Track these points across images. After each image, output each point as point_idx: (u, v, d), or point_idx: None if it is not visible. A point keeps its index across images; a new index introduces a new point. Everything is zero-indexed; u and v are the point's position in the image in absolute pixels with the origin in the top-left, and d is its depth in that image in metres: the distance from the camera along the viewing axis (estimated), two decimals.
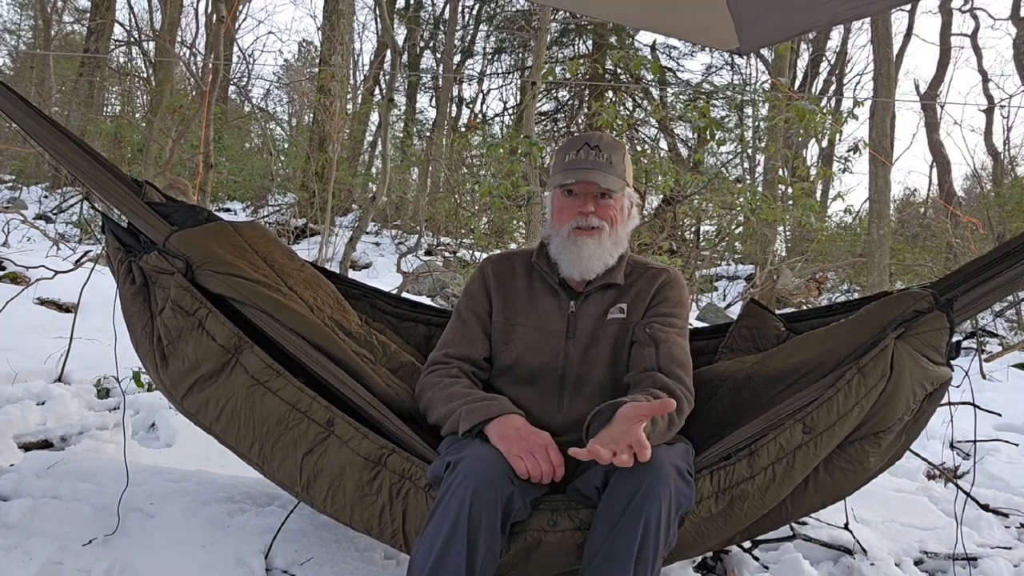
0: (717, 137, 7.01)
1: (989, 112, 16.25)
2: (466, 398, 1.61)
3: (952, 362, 1.73)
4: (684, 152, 14.94)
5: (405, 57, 17.80)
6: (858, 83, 18.60)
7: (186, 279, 1.71)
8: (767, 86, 13.55)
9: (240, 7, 14.73)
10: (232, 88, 15.81)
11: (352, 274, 8.23)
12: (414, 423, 1.77)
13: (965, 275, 1.73)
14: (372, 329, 2.05)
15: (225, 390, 1.67)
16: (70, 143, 1.75)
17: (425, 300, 5.24)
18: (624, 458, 1.33)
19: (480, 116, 20.41)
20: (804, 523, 2.28)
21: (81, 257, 5.17)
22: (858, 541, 2.18)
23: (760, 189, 9.62)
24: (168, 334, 1.69)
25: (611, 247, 1.73)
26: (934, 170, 15.99)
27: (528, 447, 1.47)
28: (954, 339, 1.71)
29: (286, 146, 15.49)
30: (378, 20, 17.19)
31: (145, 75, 15.96)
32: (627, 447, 1.34)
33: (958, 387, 1.80)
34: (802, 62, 17.27)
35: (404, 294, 5.93)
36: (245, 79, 16.42)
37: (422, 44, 19.95)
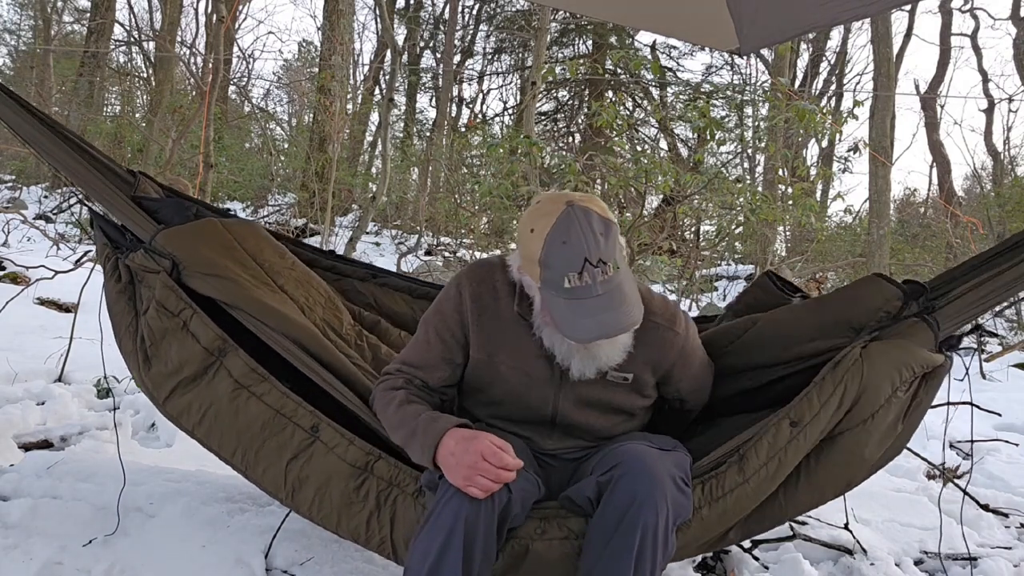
0: (717, 137, 7.00)
1: (989, 112, 16.25)
2: (403, 428, 1.48)
3: (951, 355, 1.69)
4: (684, 152, 14.95)
5: (405, 57, 17.80)
6: (858, 83, 18.58)
7: (171, 278, 1.68)
8: (767, 86, 13.55)
9: (240, 7, 14.72)
10: (232, 88, 15.80)
11: None
12: None
13: (953, 276, 1.70)
14: (363, 329, 2.03)
15: (208, 394, 1.64)
16: (53, 138, 1.71)
17: None
18: None
19: (480, 116, 20.42)
20: (804, 523, 2.28)
21: (81, 257, 5.17)
22: (858, 541, 2.18)
23: (760, 189, 9.61)
24: (151, 334, 1.67)
25: (626, 336, 1.51)
26: (934, 170, 16.00)
27: (469, 470, 1.32)
28: (956, 333, 1.69)
29: (286, 146, 15.50)
30: (378, 20, 17.18)
31: (145, 75, 15.96)
32: None
33: (961, 381, 1.78)
34: (802, 62, 17.26)
35: None
36: (245, 79, 16.41)
37: (422, 44, 19.95)
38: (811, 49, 17.40)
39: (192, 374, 1.65)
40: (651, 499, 1.35)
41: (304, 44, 21.63)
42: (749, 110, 12.34)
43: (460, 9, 18.97)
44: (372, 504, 1.54)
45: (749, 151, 12.54)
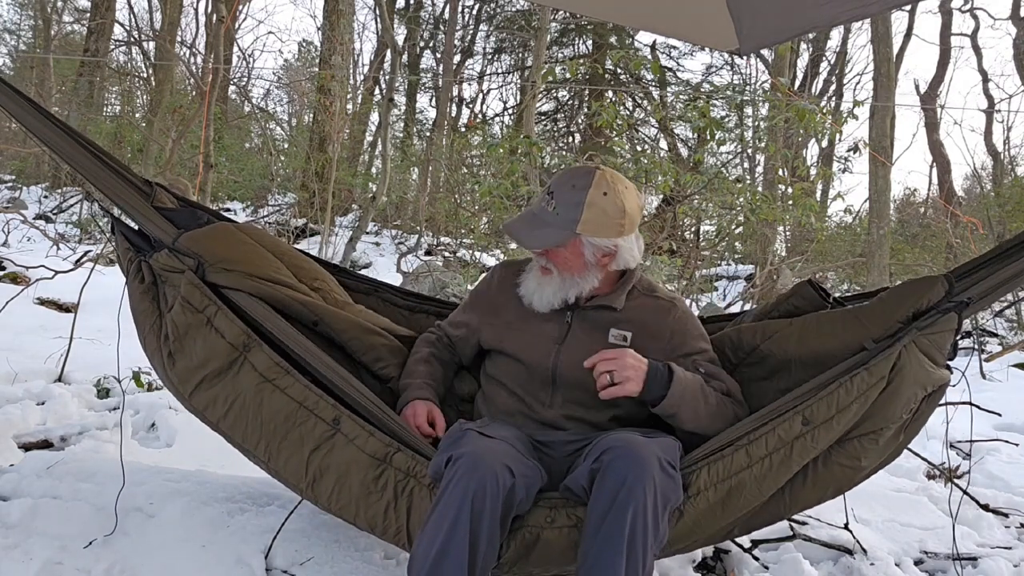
0: (717, 137, 6.99)
1: (989, 112, 16.24)
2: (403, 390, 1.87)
3: (950, 364, 1.73)
4: (684, 152, 14.92)
5: (405, 57, 17.79)
6: (858, 83, 18.57)
7: (197, 276, 1.72)
8: (767, 86, 13.54)
9: (240, 7, 14.71)
10: (232, 88, 15.79)
11: None
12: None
13: (972, 267, 1.72)
14: (387, 307, 2.14)
15: (233, 387, 1.68)
16: (82, 150, 1.76)
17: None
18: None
19: (480, 116, 20.41)
20: (804, 523, 2.28)
21: (81, 257, 5.18)
22: (858, 541, 2.18)
23: (760, 189, 9.60)
24: (176, 331, 1.71)
25: (568, 286, 1.74)
26: (934, 170, 16.00)
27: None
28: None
29: (286, 146, 15.49)
30: (378, 20, 17.16)
31: (145, 75, 15.95)
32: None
33: (955, 386, 1.80)
34: (802, 62, 17.25)
35: None
36: (245, 79, 16.39)
37: (422, 44, 19.94)
38: (811, 49, 17.39)
39: (217, 368, 1.68)
40: (639, 480, 1.40)
41: (304, 44, 21.65)
42: (749, 110, 12.33)
43: (460, 9, 18.96)
44: (390, 494, 1.58)
45: (749, 151, 12.54)
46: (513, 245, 10.42)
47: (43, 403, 2.99)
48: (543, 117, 18.38)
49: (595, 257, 1.72)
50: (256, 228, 1.96)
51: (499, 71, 20.19)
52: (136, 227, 1.84)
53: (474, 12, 19.57)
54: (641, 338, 1.74)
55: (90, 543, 1.84)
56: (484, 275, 1.97)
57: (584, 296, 1.77)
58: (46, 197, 12.47)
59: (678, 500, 1.50)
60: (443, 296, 7.67)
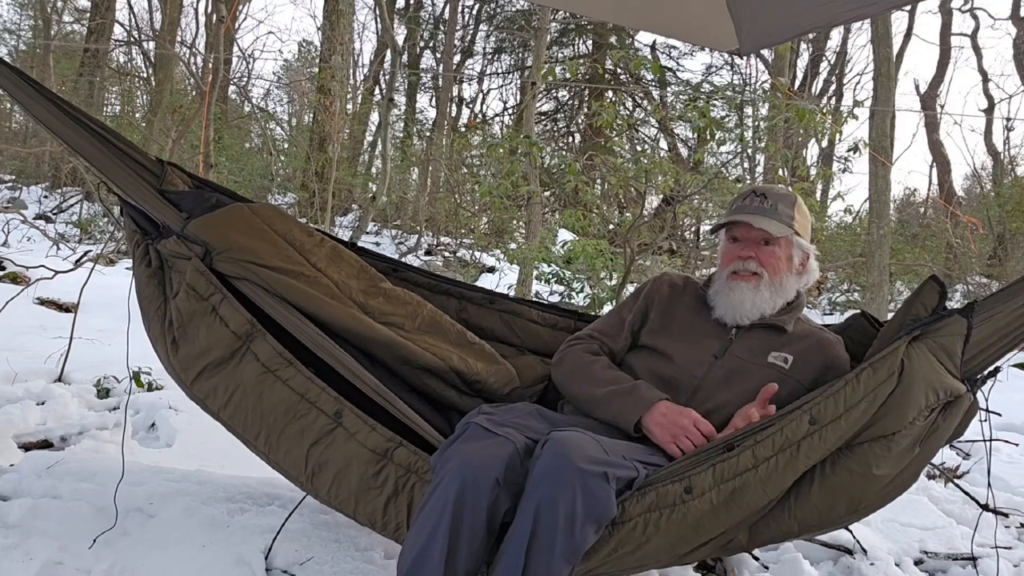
0: (717, 137, 6.98)
1: (989, 112, 16.23)
2: (609, 386, 1.71)
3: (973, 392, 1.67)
4: (684, 152, 14.95)
5: (405, 57, 17.79)
6: (858, 83, 18.57)
7: (204, 264, 1.71)
8: (767, 86, 13.55)
9: (240, 7, 14.71)
10: (232, 88, 15.79)
11: None
12: (455, 389, 1.86)
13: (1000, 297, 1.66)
14: (407, 286, 2.06)
15: (235, 377, 1.66)
16: (79, 130, 1.73)
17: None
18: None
19: (480, 116, 20.41)
20: None
21: (81, 257, 5.19)
22: (858, 541, 2.18)
23: None
24: (180, 317, 1.69)
25: (770, 295, 1.76)
26: (934, 170, 16.00)
27: (679, 430, 1.58)
28: (982, 374, 1.67)
29: (286, 146, 15.50)
30: (378, 20, 17.16)
31: (145, 75, 15.97)
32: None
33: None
34: (802, 62, 17.26)
35: None
36: (245, 79, 16.40)
37: (422, 44, 19.93)
38: (811, 49, 17.39)
39: (219, 357, 1.67)
40: (555, 477, 1.34)
41: (304, 44, 21.63)
42: (749, 110, 12.34)
43: (460, 9, 18.97)
44: (390, 490, 1.56)
45: (749, 151, 12.54)
46: (513, 245, 10.43)
47: (43, 403, 2.98)
48: (543, 117, 18.39)
49: (798, 260, 1.79)
50: (269, 209, 1.89)
51: (499, 71, 20.20)
52: (145, 211, 1.79)
53: (474, 12, 19.57)
54: (800, 365, 1.74)
55: (91, 543, 1.84)
56: (646, 284, 1.95)
57: (771, 313, 1.77)
58: (46, 197, 12.48)
59: (609, 513, 1.39)
60: None
